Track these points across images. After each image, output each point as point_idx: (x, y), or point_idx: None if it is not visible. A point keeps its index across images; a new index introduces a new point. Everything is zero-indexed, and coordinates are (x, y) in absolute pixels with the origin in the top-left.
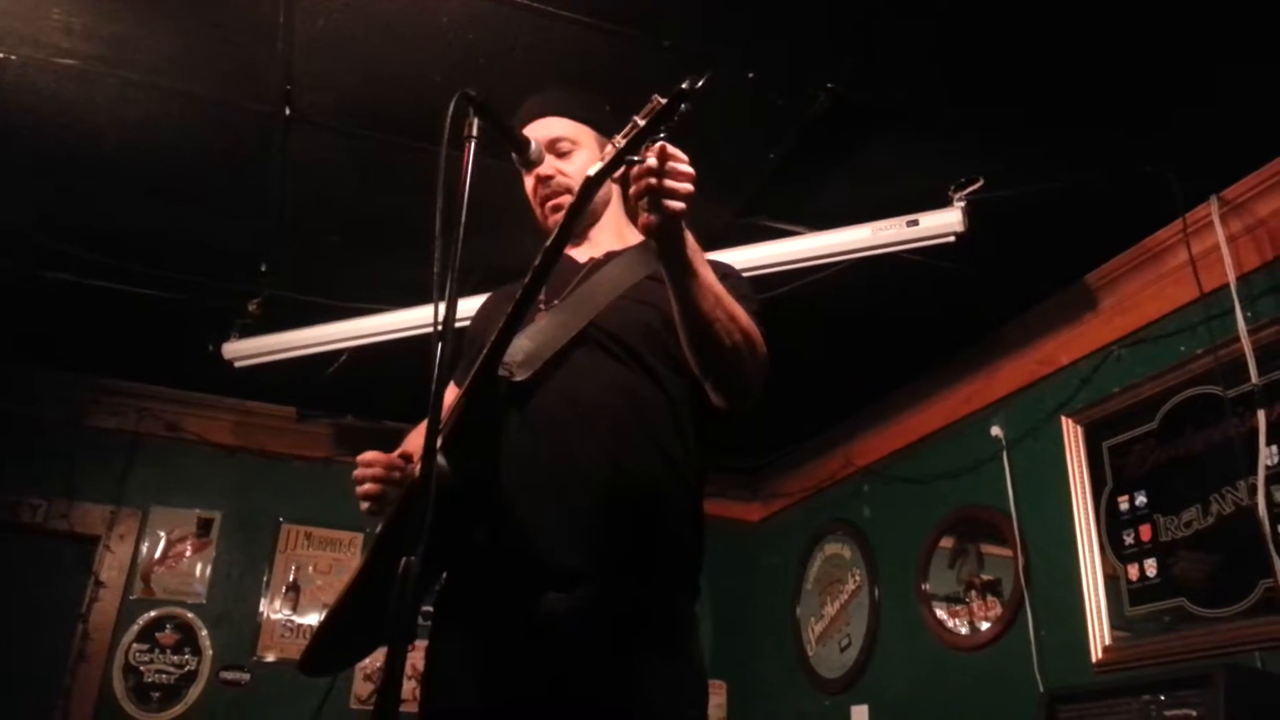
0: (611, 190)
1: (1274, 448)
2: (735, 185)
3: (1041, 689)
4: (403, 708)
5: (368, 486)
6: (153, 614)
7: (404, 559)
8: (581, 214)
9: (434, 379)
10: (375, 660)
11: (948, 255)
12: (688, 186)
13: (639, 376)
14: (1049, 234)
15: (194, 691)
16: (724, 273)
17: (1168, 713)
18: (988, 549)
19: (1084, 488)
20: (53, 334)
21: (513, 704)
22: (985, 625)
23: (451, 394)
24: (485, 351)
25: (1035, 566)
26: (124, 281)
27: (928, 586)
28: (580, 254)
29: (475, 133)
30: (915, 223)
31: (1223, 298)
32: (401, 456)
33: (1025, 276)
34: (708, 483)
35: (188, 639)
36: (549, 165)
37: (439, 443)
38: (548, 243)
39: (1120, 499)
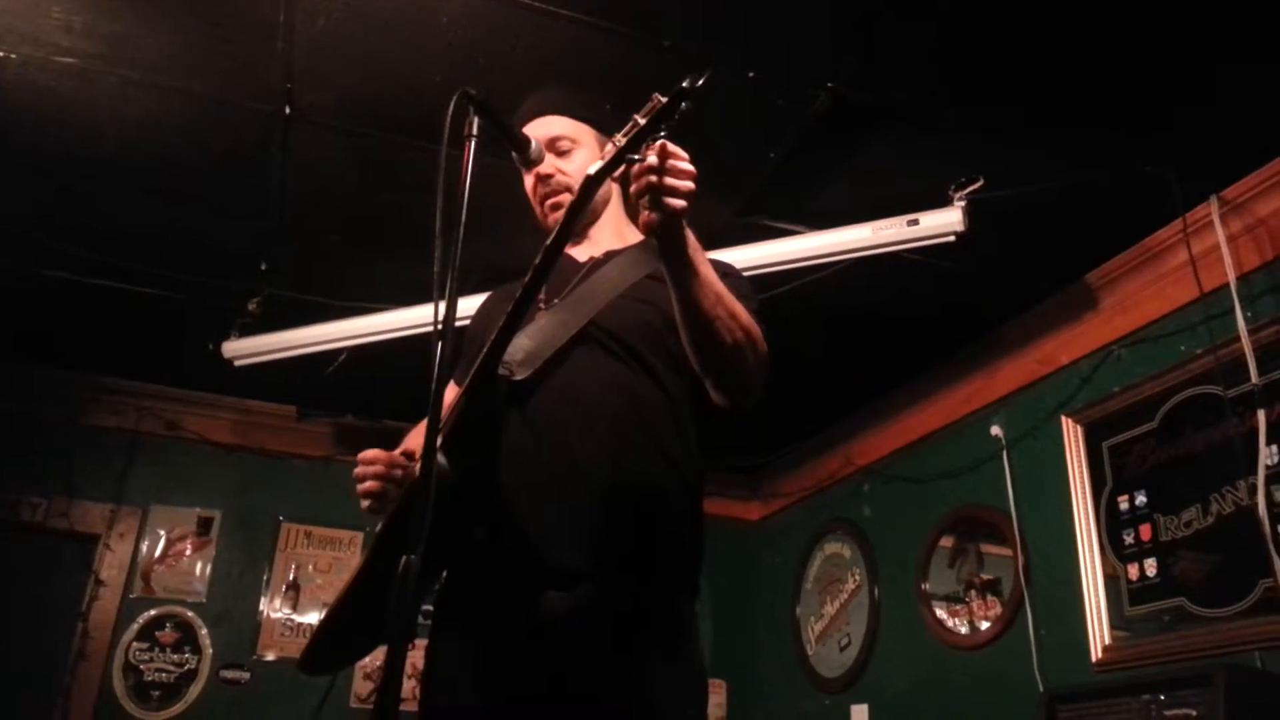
0: (611, 189)
1: (1274, 447)
2: (735, 185)
3: (1041, 689)
4: (402, 706)
5: (369, 484)
6: (153, 613)
7: (404, 558)
8: (582, 213)
9: (434, 378)
10: (375, 659)
11: (948, 255)
12: (689, 184)
13: (639, 375)
14: (1049, 234)
15: (194, 690)
16: (724, 271)
17: (1167, 712)
18: (988, 548)
19: (1084, 487)
20: (53, 333)
21: (513, 703)
22: (985, 625)
23: (451, 393)
24: (485, 350)
25: (1035, 566)
26: (124, 280)
27: (928, 586)
28: (580, 253)
29: (475, 131)
30: (915, 222)
31: (1223, 297)
32: (403, 455)
33: (1025, 276)
34: (707, 482)
35: (188, 638)
36: (549, 164)
37: (439, 441)
38: (548, 241)
39: (1120, 499)
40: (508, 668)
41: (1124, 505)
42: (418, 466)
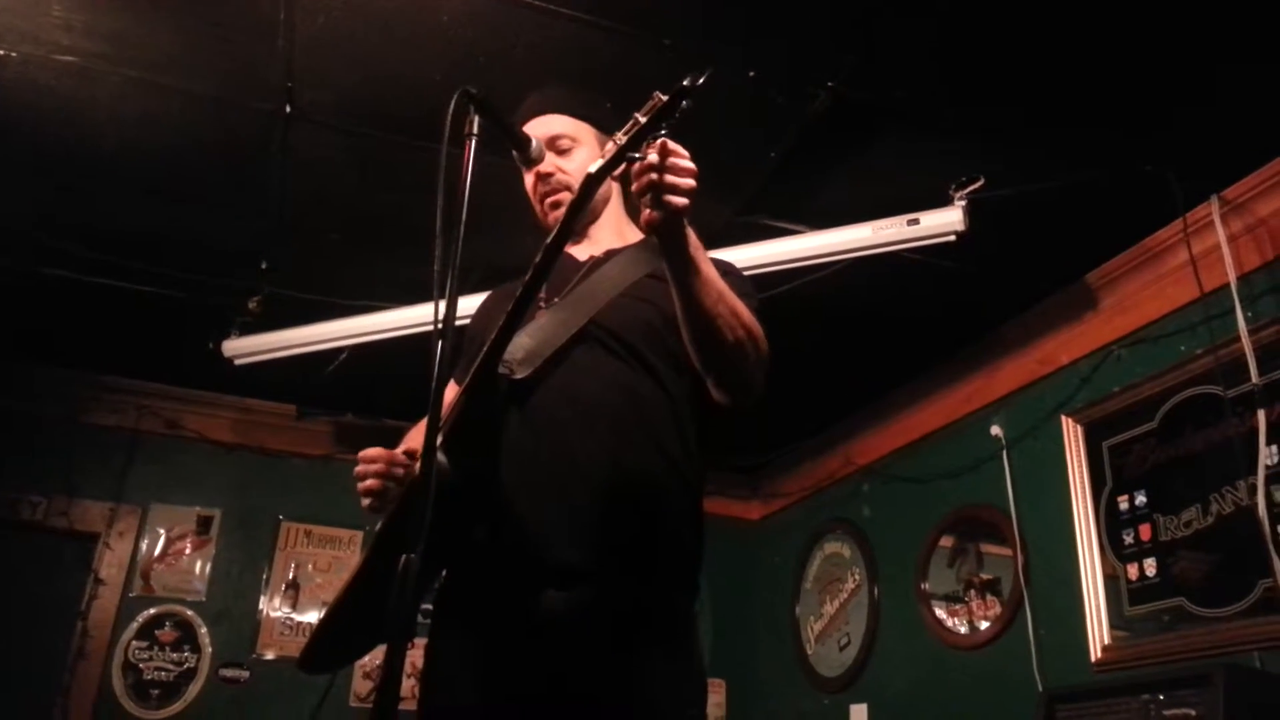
0: (612, 188)
1: (1274, 447)
2: (735, 184)
3: (1041, 688)
4: (402, 705)
5: (369, 483)
6: (152, 611)
7: (404, 556)
8: (582, 211)
9: (434, 377)
10: (375, 658)
11: (948, 254)
12: (690, 182)
13: (639, 374)
14: (1049, 233)
15: (193, 689)
16: (725, 270)
17: (1167, 712)
18: (987, 548)
19: (1084, 487)
20: (53, 331)
21: (512, 702)
22: (984, 624)
23: (452, 392)
24: (485, 349)
25: (1035, 566)
26: (124, 279)
27: (927, 586)
28: (580, 252)
29: (475, 130)
30: (916, 222)
31: (1223, 297)
32: (404, 454)
33: (1025, 276)
34: (707, 481)
35: (187, 636)
36: (549, 163)
37: (439, 440)
38: (548, 240)
39: (1120, 498)
40: (507, 666)
41: (1124, 505)
42: (418, 465)
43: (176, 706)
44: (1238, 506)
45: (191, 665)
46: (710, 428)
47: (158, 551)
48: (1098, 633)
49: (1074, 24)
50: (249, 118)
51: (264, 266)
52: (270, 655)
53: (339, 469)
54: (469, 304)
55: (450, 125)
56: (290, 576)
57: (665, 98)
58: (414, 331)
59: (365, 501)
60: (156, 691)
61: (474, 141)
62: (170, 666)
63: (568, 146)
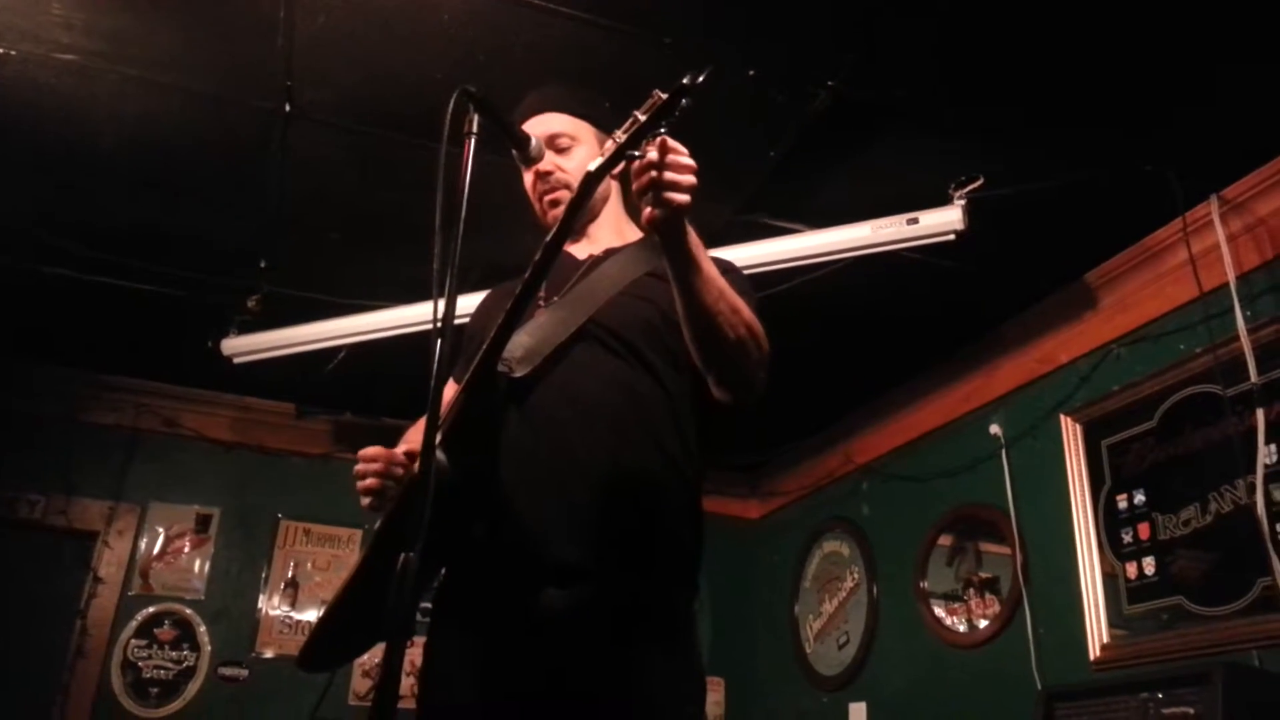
0: (611, 187)
1: (1272, 446)
2: (735, 183)
3: (1039, 687)
4: (401, 704)
5: (369, 482)
6: (151, 610)
7: (403, 555)
8: (581, 210)
9: (433, 375)
10: (374, 656)
11: (947, 253)
12: (690, 179)
13: (638, 372)
14: (1049, 232)
15: (192, 687)
16: (724, 268)
17: (1165, 711)
18: (986, 547)
19: (1083, 486)
20: (52, 330)
21: (511, 699)
22: (983, 623)
23: (451, 391)
24: (485, 347)
25: (1034, 565)
26: (123, 277)
27: (926, 584)
28: (579, 250)
29: (475, 129)
30: (915, 221)
31: (1222, 297)
32: (405, 454)
33: (1025, 275)
34: (706, 480)
35: (186, 635)
36: (548, 161)
37: (438, 438)
38: (547, 239)
39: (1119, 497)
40: (506, 664)
41: (1122, 504)
42: (418, 465)
43: (175, 705)
44: (1236, 505)
45: (190, 664)
46: (712, 426)
47: (157, 550)
48: (1096, 631)
49: (1074, 24)
50: (249, 116)
51: (263, 265)
52: (269, 654)
53: (338, 468)
54: (468, 303)
55: (450, 124)
56: (289, 575)
57: (665, 96)
58: (413, 330)
59: (365, 501)
60: (155, 690)
61: (473, 140)
62: (169, 665)
63: (567, 145)
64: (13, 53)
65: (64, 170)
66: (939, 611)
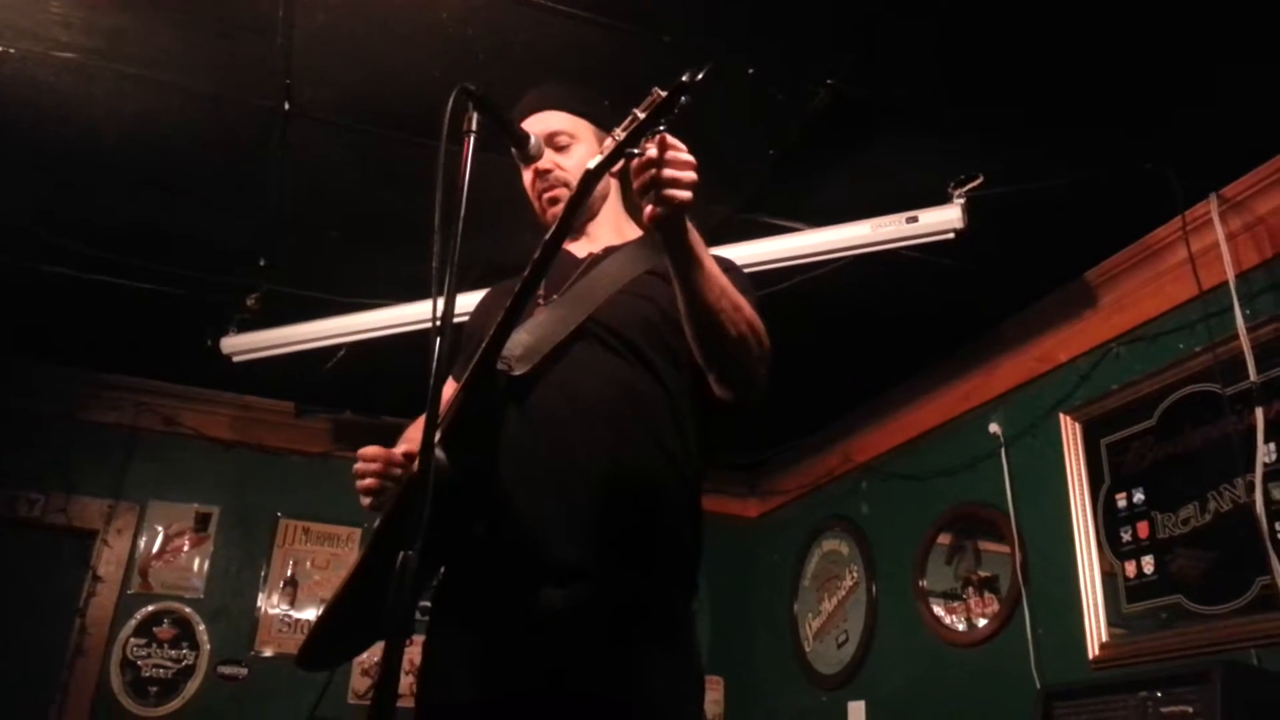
0: (610, 185)
1: (1272, 445)
2: (735, 181)
3: (1038, 686)
4: (400, 703)
5: (368, 482)
6: (150, 608)
7: (402, 553)
8: (580, 208)
9: (432, 374)
10: (373, 655)
11: (947, 252)
12: (690, 175)
13: (637, 371)
14: (1048, 231)
15: (191, 686)
16: (725, 266)
17: (1164, 710)
18: (985, 546)
19: (1082, 485)
20: (51, 328)
21: (511, 698)
22: (982, 622)
23: (450, 389)
24: (484, 345)
25: (1033, 563)
26: (123, 276)
27: (925, 583)
28: (579, 249)
29: (474, 127)
30: (915, 219)
31: (1221, 295)
32: (404, 455)
33: (1024, 274)
34: (705, 479)
35: (185, 633)
36: (547, 159)
37: (438, 437)
38: (546, 237)
39: (1118, 496)
40: (506, 663)
41: (1122, 503)
42: (417, 465)
43: (175, 704)
44: (1235, 504)
45: (190, 662)
46: (713, 424)
47: (156, 548)
48: (1095, 630)
49: (1074, 24)
50: (248, 115)
51: (263, 263)
52: (268, 652)
53: (337, 466)
54: (468, 301)
55: (449, 122)
56: (288, 574)
57: (664, 93)
58: (412, 328)
59: (364, 500)
60: (155, 688)
61: (472, 138)
62: (168, 664)
63: (566, 143)
64: (11, 51)
65: (63, 168)
66: (938, 610)
